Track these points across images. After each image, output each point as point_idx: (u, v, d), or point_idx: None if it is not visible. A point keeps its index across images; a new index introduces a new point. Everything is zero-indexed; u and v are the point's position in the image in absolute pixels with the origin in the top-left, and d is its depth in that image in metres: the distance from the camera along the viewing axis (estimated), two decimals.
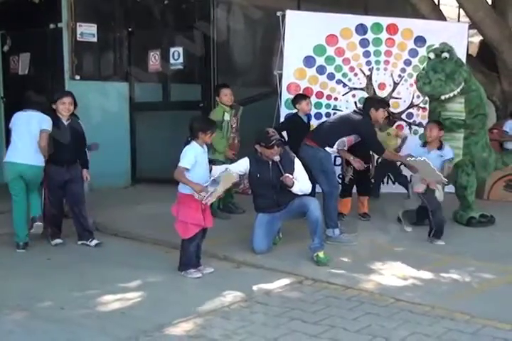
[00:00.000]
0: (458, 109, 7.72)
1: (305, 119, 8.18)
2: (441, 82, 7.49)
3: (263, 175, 6.44)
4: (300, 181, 6.43)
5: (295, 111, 8.27)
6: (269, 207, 6.54)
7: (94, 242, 6.97)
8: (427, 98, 9.14)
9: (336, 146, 7.16)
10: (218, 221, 7.92)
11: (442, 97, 7.57)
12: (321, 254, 6.20)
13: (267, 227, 6.54)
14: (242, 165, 6.48)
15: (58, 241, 7.00)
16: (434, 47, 8.05)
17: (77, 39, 9.86)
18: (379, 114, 7.37)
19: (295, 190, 6.38)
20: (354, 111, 7.54)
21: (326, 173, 7.04)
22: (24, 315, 4.89)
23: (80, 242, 6.99)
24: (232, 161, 8.05)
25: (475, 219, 7.83)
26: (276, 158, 6.40)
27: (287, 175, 6.32)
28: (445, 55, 7.61)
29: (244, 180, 9.68)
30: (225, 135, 8.07)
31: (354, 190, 8.22)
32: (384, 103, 7.74)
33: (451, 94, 7.57)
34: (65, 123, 6.86)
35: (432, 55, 7.70)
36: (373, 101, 7.62)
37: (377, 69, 9.56)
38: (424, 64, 8.15)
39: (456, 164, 7.81)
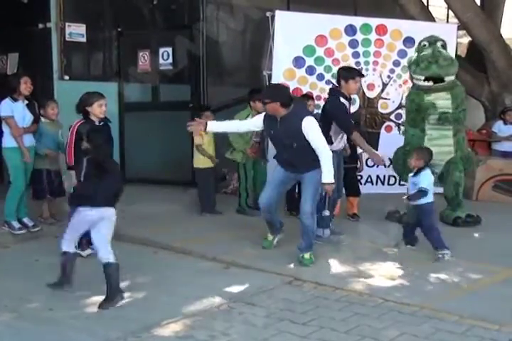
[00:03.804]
0: (446, 106, 7.76)
1: None
2: (447, 62, 7.67)
3: (273, 132, 6.32)
4: (318, 151, 6.11)
5: None
6: (284, 164, 6.43)
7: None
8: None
9: (338, 143, 7.05)
10: (207, 221, 7.95)
11: (446, 79, 7.66)
12: (306, 255, 6.19)
13: (278, 184, 6.47)
14: (259, 119, 6.43)
15: (90, 251, 6.53)
16: (426, 37, 8.07)
17: (66, 39, 9.84)
18: (350, 86, 6.96)
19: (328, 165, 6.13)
20: (330, 89, 7.49)
21: None
22: (12, 316, 4.87)
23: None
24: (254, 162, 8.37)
25: (461, 219, 7.84)
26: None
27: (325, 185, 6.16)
28: (441, 43, 7.83)
29: (233, 181, 9.71)
30: (244, 136, 8.14)
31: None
32: (354, 73, 7.16)
33: (452, 78, 7.68)
34: (99, 126, 6.57)
35: (426, 44, 7.85)
36: (342, 73, 7.13)
37: (367, 69, 9.57)
38: (415, 53, 8.18)
39: (448, 161, 7.85)
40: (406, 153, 8.03)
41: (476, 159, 8.77)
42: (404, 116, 9.69)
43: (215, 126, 6.60)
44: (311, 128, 6.10)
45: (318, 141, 6.13)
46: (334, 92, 7.11)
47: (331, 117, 6.92)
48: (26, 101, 7.32)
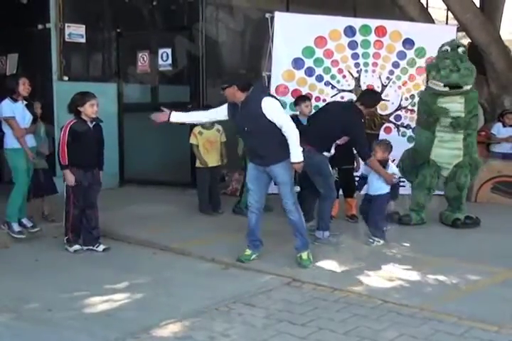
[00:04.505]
0: (458, 109, 7.72)
1: (304, 122, 7.86)
2: (468, 72, 7.62)
3: (236, 118, 6.21)
4: (284, 129, 5.98)
5: (297, 113, 8.23)
6: (250, 155, 6.37)
7: (101, 247, 6.78)
8: (415, 100, 9.21)
9: (332, 150, 7.11)
10: (206, 222, 7.96)
11: (464, 88, 7.63)
12: (304, 255, 6.19)
13: (257, 183, 6.33)
14: (224, 108, 6.31)
15: (78, 247, 6.78)
16: (448, 41, 7.98)
17: (66, 40, 9.84)
18: (369, 110, 7.34)
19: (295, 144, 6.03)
20: (343, 106, 7.49)
21: (325, 177, 6.93)
22: (11, 317, 4.87)
23: (85, 247, 6.77)
24: None
25: (460, 220, 7.84)
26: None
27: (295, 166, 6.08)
28: (462, 49, 7.76)
29: (232, 182, 9.72)
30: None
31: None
32: (379, 100, 7.65)
33: (469, 88, 7.66)
34: (90, 126, 6.67)
35: (448, 48, 7.77)
36: (368, 99, 7.26)
37: (366, 71, 9.58)
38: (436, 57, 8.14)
39: (455, 165, 7.83)
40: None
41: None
42: (403, 118, 9.77)
43: (178, 116, 6.46)
44: (271, 108, 5.96)
45: (282, 119, 6.01)
46: (358, 111, 7.09)
47: (349, 133, 7.00)
48: (25, 102, 7.29)
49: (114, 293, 5.44)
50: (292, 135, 5.99)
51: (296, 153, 6.02)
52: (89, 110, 6.56)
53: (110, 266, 6.25)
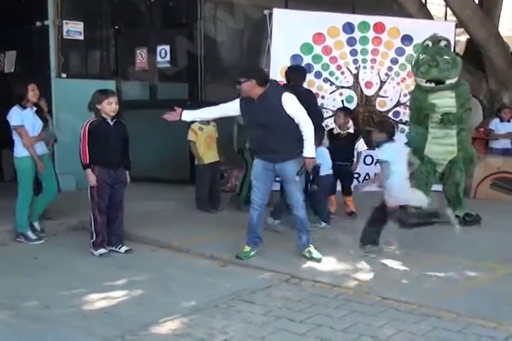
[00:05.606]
0: (450, 104, 7.69)
1: None
2: (448, 65, 7.53)
3: (251, 113, 6.17)
4: (302, 124, 6.05)
5: None
6: (261, 150, 6.28)
7: (123, 248, 6.67)
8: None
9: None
10: (205, 219, 7.96)
11: (447, 82, 7.56)
12: (312, 250, 6.21)
13: (264, 180, 6.30)
14: (235, 104, 6.25)
15: (103, 250, 6.58)
16: (429, 36, 7.91)
17: (64, 37, 9.85)
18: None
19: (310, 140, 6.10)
20: (295, 93, 7.33)
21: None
22: (9, 314, 4.86)
23: (108, 248, 6.64)
24: None
25: (459, 218, 7.82)
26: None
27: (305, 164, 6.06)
28: (444, 43, 7.70)
29: (231, 179, 9.71)
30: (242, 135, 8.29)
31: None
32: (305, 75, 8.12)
33: (453, 81, 7.59)
34: (111, 123, 6.55)
35: (429, 43, 7.72)
36: (297, 76, 7.78)
37: (364, 67, 9.58)
38: (416, 53, 8.10)
39: (450, 161, 7.82)
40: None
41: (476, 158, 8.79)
42: (401, 114, 9.76)
43: (191, 114, 6.47)
44: (291, 103, 6.05)
45: (301, 113, 6.07)
46: (304, 90, 7.64)
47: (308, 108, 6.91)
48: (34, 108, 7.13)
49: (113, 290, 5.44)
50: (308, 129, 6.07)
51: (310, 148, 6.08)
52: (107, 108, 6.44)
53: (109, 263, 6.25)
